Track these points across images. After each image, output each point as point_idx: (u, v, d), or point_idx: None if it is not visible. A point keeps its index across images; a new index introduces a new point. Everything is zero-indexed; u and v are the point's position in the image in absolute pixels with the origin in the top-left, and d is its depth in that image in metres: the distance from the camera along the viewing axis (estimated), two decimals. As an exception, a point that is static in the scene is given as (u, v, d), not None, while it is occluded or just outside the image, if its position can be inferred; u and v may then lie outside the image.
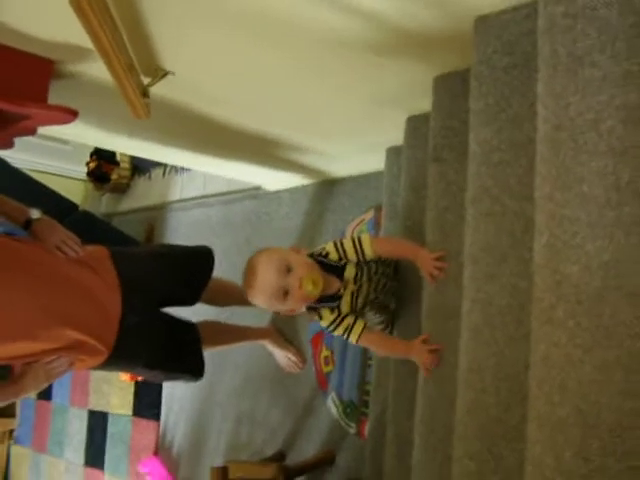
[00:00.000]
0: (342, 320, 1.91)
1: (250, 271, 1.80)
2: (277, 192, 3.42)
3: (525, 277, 1.42)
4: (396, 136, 2.32)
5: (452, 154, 1.83)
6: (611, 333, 1.11)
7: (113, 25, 1.54)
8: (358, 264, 1.91)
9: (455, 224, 1.77)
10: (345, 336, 1.92)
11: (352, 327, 1.91)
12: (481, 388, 1.47)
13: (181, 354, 2.48)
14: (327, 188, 3.18)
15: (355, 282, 1.91)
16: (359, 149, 2.70)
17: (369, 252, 1.88)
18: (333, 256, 1.88)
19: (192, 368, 2.54)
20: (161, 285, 2.38)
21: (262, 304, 1.83)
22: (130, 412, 4.04)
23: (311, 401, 3.01)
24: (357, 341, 1.91)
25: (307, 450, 2.96)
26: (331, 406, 2.90)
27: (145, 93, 1.93)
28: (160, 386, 3.87)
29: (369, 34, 1.65)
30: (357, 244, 1.88)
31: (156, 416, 3.87)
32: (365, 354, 2.78)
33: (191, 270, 2.51)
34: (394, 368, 2.11)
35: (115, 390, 4.16)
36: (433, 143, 1.90)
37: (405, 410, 2.00)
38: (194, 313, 2.63)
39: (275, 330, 3.12)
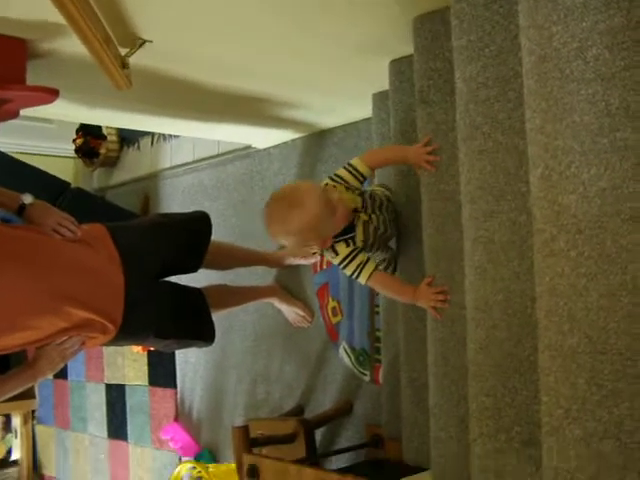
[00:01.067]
0: (356, 255, 1.93)
1: (292, 200, 1.81)
2: (267, 149, 3.40)
3: (524, 211, 1.43)
4: (381, 81, 2.30)
5: (439, 95, 1.82)
6: (614, 259, 1.11)
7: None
8: (361, 195, 1.98)
9: (448, 164, 1.77)
10: (356, 274, 1.93)
11: (364, 265, 1.92)
12: (491, 325, 1.49)
13: (191, 321, 2.51)
14: (317, 140, 3.16)
15: (365, 210, 1.96)
16: (345, 98, 2.68)
17: (362, 168, 1.95)
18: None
19: (203, 333, 2.57)
20: (162, 255, 2.39)
21: (302, 232, 1.83)
22: (146, 382, 4.07)
23: (323, 353, 3.03)
24: (367, 280, 1.93)
25: (324, 402, 2.99)
26: (343, 356, 2.92)
27: (124, 64, 1.91)
28: (173, 354, 3.89)
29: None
30: (349, 167, 1.96)
31: (172, 384, 3.90)
32: (372, 301, 2.80)
33: (190, 236, 2.52)
34: (402, 313, 2.13)
35: (129, 362, 4.19)
36: (419, 85, 1.88)
37: (417, 354, 2.02)
38: (197, 279, 2.65)
39: (280, 287, 3.15)
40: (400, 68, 2.16)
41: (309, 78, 2.43)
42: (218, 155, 3.62)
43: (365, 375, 2.83)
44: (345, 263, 1.93)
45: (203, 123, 2.99)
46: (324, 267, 3.04)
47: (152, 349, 3.91)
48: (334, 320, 2.99)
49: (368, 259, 1.94)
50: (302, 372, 3.12)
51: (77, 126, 4.24)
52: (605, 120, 1.12)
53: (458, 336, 1.68)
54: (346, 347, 2.91)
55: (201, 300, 2.54)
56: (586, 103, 1.14)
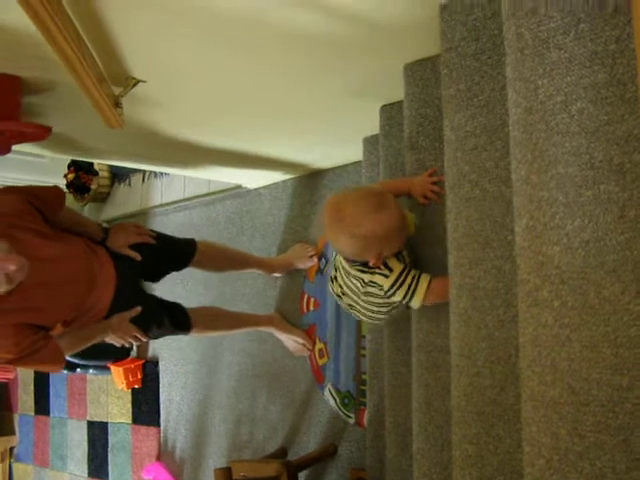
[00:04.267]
0: (409, 271, 1.77)
1: (379, 203, 1.65)
2: (257, 189, 3.42)
3: (509, 259, 1.44)
4: (372, 126, 2.33)
5: (427, 141, 1.85)
6: (597, 310, 1.12)
7: (77, 36, 1.52)
8: None
9: (435, 211, 1.78)
10: (411, 292, 1.75)
11: (419, 278, 1.76)
12: (475, 372, 1.48)
13: (168, 310, 2.64)
14: (307, 182, 3.18)
15: None
16: (336, 141, 2.71)
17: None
18: None
19: (181, 321, 2.68)
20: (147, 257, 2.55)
21: (371, 239, 1.65)
22: (130, 420, 4.04)
23: (309, 395, 3.02)
24: (425, 294, 1.75)
25: (309, 444, 2.98)
26: (329, 398, 2.91)
27: (117, 103, 1.93)
28: (157, 393, 3.87)
29: (335, 28, 1.65)
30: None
31: (156, 422, 3.87)
32: (359, 344, 2.80)
33: (175, 247, 2.72)
34: (388, 357, 2.13)
35: (113, 400, 4.16)
36: (408, 131, 1.91)
37: (402, 398, 2.02)
38: (193, 301, 2.65)
39: (279, 316, 3.15)
40: (391, 113, 2.19)
41: (302, 124, 2.47)
42: (209, 194, 3.64)
43: (350, 418, 2.81)
44: (402, 278, 1.76)
45: (190, 163, 3.02)
46: (311, 308, 3.05)
47: (136, 386, 3.89)
48: (320, 362, 2.98)
49: (421, 272, 1.78)
50: (287, 413, 3.11)
51: (69, 161, 4.25)
52: (589, 173, 1.13)
53: (442, 382, 1.68)
54: (332, 389, 2.90)
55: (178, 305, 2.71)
56: (570, 155, 1.15)
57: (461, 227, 1.54)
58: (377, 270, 1.76)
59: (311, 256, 3.06)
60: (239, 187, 3.49)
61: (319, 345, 3.00)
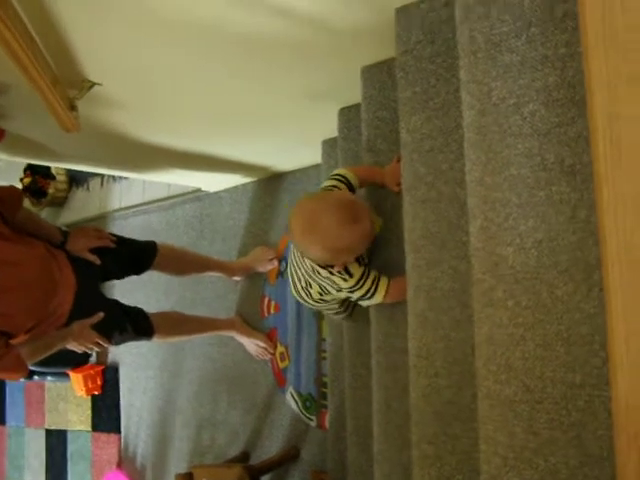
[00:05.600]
0: (369, 272, 1.76)
1: (355, 215, 1.60)
2: (217, 193, 3.41)
3: (465, 260, 1.46)
4: (331, 128, 2.33)
5: (385, 144, 1.86)
6: (550, 309, 1.14)
7: (29, 38, 1.50)
8: None
9: (392, 212, 1.80)
10: (371, 292, 1.75)
11: (379, 280, 1.76)
12: (433, 372, 1.49)
13: (130, 316, 2.61)
14: (267, 185, 3.18)
15: None
16: (296, 144, 2.71)
17: (354, 180, 1.79)
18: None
19: (143, 327, 2.65)
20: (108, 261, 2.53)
21: (344, 250, 1.64)
22: (89, 427, 3.98)
23: (270, 398, 3.01)
24: (384, 294, 1.75)
25: (271, 448, 2.97)
26: (290, 401, 2.91)
27: (73, 106, 1.91)
28: (117, 399, 3.83)
29: (292, 31, 1.65)
30: (341, 178, 1.79)
31: (116, 429, 3.82)
32: (319, 347, 2.80)
33: (136, 250, 2.70)
34: (348, 359, 2.13)
35: (72, 407, 4.09)
36: (366, 134, 1.91)
37: (363, 400, 2.03)
38: (153, 303, 2.63)
39: (241, 320, 3.14)
40: (349, 116, 2.20)
41: (260, 127, 2.46)
42: (168, 197, 3.61)
43: (312, 420, 2.81)
44: (361, 283, 1.74)
45: (149, 167, 3.00)
46: (272, 312, 3.04)
47: (96, 393, 3.85)
48: (282, 365, 2.98)
49: (380, 273, 1.78)
50: (248, 417, 3.10)
51: (25, 165, 4.19)
52: (541, 174, 1.15)
53: (401, 383, 1.69)
54: (293, 392, 2.90)
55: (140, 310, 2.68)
56: (523, 157, 1.17)
57: (418, 229, 1.55)
58: (336, 273, 1.74)
59: (271, 259, 3.06)
60: (199, 190, 3.46)
61: (280, 348, 3.00)
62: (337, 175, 1.80)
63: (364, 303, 1.83)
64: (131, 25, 1.58)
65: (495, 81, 1.21)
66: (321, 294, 1.93)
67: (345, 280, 1.75)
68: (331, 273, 1.75)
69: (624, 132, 0.84)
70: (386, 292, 1.75)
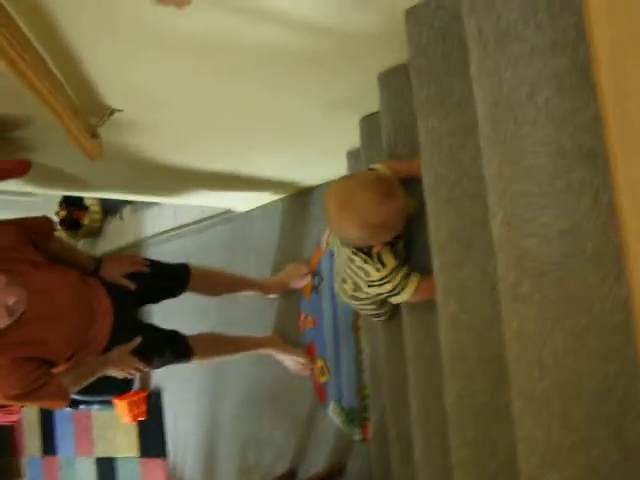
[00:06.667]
0: (401, 268, 1.73)
1: (388, 190, 1.61)
2: (248, 212, 3.41)
3: (492, 257, 1.42)
4: (354, 139, 2.31)
5: (406, 148, 1.83)
6: (578, 300, 1.10)
7: (46, 69, 1.52)
8: None
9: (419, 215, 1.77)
10: (399, 288, 1.73)
11: (409, 276, 1.73)
12: (467, 375, 1.46)
13: (168, 340, 2.63)
14: (296, 200, 3.18)
15: None
16: (322, 157, 2.70)
17: (386, 172, 1.76)
18: None
19: (181, 350, 2.66)
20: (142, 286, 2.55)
21: (379, 227, 1.63)
22: (137, 453, 4.01)
23: (312, 414, 2.99)
24: (413, 292, 1.73)
25: (316, 463, 2.94)
26: (333, 416, 2.88)
27: (95, 134, 1.92)
28: (162, 423, 3.84)
29: (308, 43, 1.64)
30: (371, 170, 1.78)
31: (163, 453, 3.84)
32: (358, 358, 2.77)
33: (170, 273, 2.73)
34: (386, 368, 2.11)
35: (119, 433, 4.12)
36: (386, 140, 1.90)
37: (403, 409, 1.99)
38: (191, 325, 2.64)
39: (279, 337, 3.13)
40: (370, 124, 2.18)
41: (285, 142, 2.46)
42: (200, 220, 3.64)
43: (356, 434, 2.78)
44: (393, 275, 1.72)
45: (181, 191, 3.01)
46: (309, 327, 3.03)
47: (141, 419, 3.87)
48: (322, 380, 2.96)
49: (411, 270, 1.75)
50: (292, 434, 3.08)
51: (60, 198, 4.25)
52: (559, 162, 1.12)
53: (437, 388, 1.66)
54: (335, 407, 2.87)
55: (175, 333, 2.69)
56: (540, 146, 1.14)
57: (443, 229, 1.53)
58: (369, 260, 1.73)
59: (304, 274, 3.05)
60: (229, 211, 3.48)
61: (319, 363, 2.97)
62: (370, 169, 1.80)
63: (394, 299, 1.80)
64: (148, 49, 1.59)
65: (506, 72, 1.18)
66: (354, 290, 1.92)
67: (378, 270, 1.73)
68: (365, 261, 1.74)
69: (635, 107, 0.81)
70: (416, 289, 1.73)
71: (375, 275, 1.74)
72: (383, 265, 1.72)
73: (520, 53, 1.17)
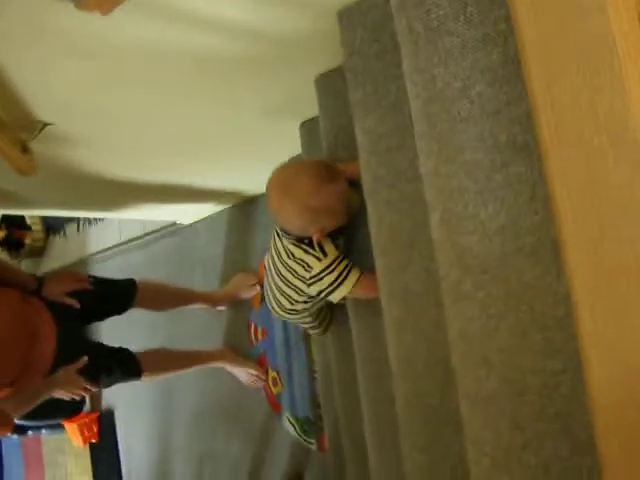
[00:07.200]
0: (342, 259, 1.71)
1: (330, 174, 1.62)
2: (192, 225, 3.37)
3: (434, 258, 1.40)
4: (296, 145, 2.28)
5: (346, 152, 1.81)
6: (521, 296, 1.09)
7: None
8: None
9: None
10: (339, 281, 1.70)
11: (350, 269, 1.70)
12: (415, 378, 1.44)
13: (116, 358, 2.56)
14: (241, 210, 3.14)
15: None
16: (263, 165, 2.62)
17: None
18: None
19: (130, 367, 2.60)
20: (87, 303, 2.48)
21: (322, 211, 1.61)
22: (90, 477, 3.90)
23: (268, 426, 2.95)
24: (352, 287, 1.70)
25: (274, 476, 2.89)
26: (288, 426, 2.84)
27: (26, 148, 1.86)
28: (116, 445, 3.75)
29: (239, 49, 1.61)
30: None
31: (118, 476, 3.74)
32: (310, 367, 2.74)
33: (116, 290, 2.68)
34: (336, 375, 2.08)
35: (71, 458, 4.01)
36: (326, 144, 1.87)
37: (354, 415, 1.96)
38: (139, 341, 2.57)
39: (229, 350, 3.08)
40: (310, 129, 2.16)
41: (224, 152, 2.42)
42: (145, 235, 3.58)
43: (312, 443, 2.75)
44: (334, 266, 1.70)
45: (123, 206, 2.95)
46: (260, 338, 2.99)
47: (93, 441, 3.77)
48: (275, 391, 2.92)
49: (352, 262, 1.73)
50: (248, 447, 3.03)
51: (-1, 218, 4.15)
52: (496, 156, 1.11)
53: (387, 392, 1.63)
54: (290, 417, 2.83)
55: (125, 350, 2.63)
56: (476, 141, 1.13)
57: (384, 231, 1.50)
58: (311, 251, 1.70)
59: (253, 285, 3.01)
60: (174, 224, 3.42)
61: (272, 374, 2.93)
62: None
63: (334, 295, 1.75)
64: (73, 59, 1.53)
65: (438, 67, 1.16)
66: (291, 303, 1.88)
67: (319, 260, 1.70)
68: (306, 252, 1.71)
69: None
70: (357, 281, 1.70)
71: (316, 266, 1.71)
72: (325, 254, 1.70)
73: (451, 48, 1.15)
